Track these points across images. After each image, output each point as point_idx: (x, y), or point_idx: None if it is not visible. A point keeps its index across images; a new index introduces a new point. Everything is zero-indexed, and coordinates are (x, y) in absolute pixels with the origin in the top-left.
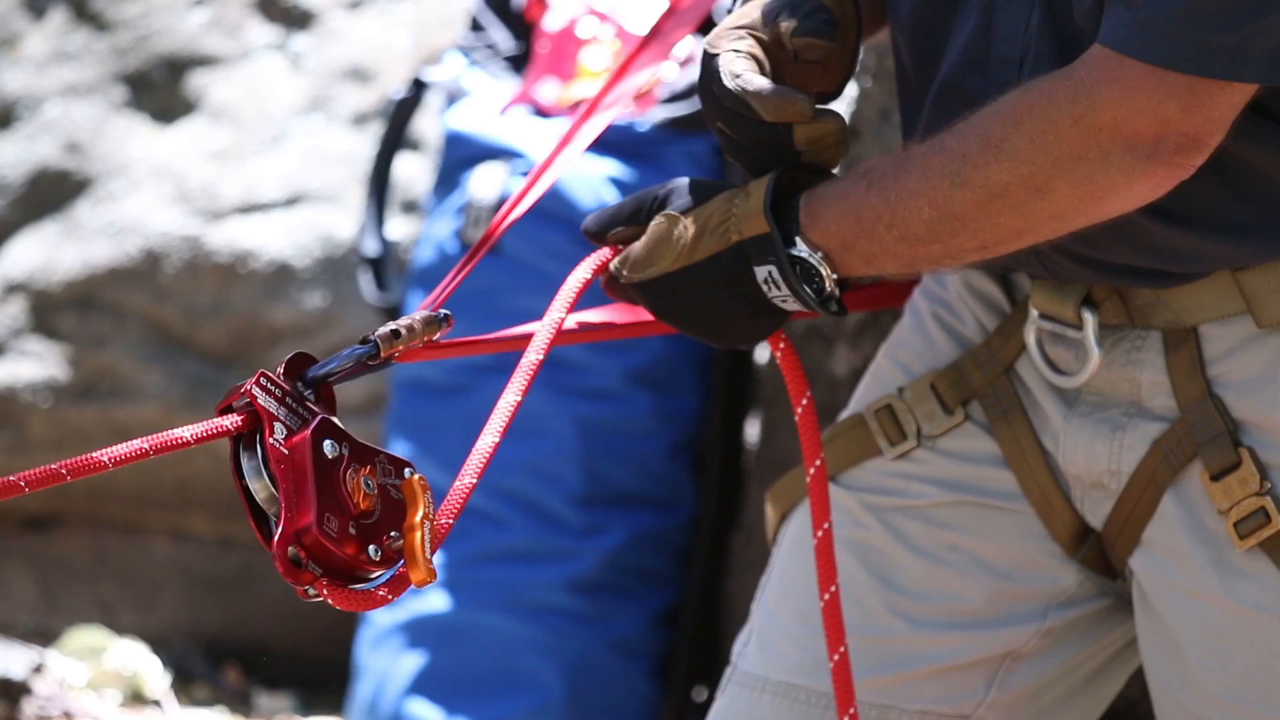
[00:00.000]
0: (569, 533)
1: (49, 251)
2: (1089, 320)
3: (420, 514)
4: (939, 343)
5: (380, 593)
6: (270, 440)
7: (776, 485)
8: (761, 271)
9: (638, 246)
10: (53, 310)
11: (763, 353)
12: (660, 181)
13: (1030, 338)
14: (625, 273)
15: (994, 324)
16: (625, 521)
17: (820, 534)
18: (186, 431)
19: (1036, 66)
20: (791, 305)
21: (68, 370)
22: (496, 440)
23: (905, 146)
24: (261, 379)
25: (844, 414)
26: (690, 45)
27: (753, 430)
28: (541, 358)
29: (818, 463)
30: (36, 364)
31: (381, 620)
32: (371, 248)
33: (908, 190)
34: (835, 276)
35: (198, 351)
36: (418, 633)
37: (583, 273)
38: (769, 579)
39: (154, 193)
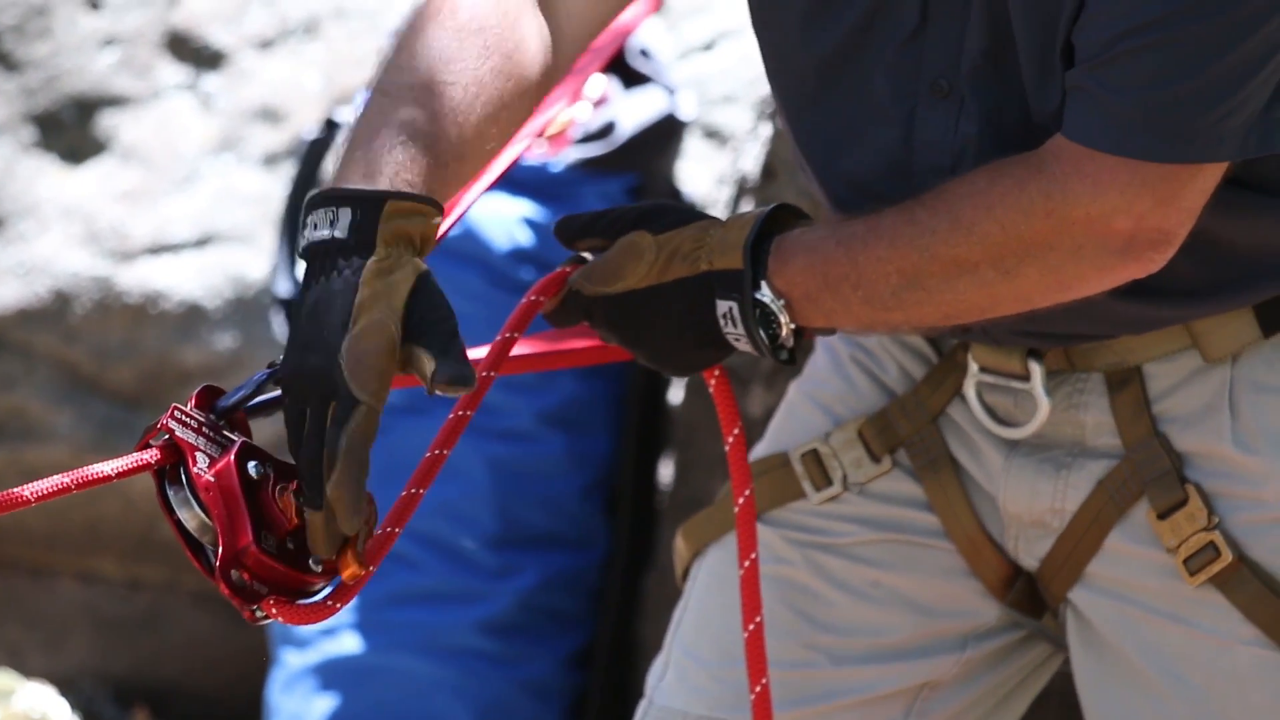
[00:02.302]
0: (482, 574)
1: None
2: (1036, 372)
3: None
4: (861, 387)
5: (328, 603)
6: (195, 470)
7: (690, 522)
8: (723, 306)
9: (604, 260)
10: None
11: (676, 393)
12: None
13: (970, 391)
14: (587, 285)
15: (919, 372)
16: (538, 562)
17: (746, 565)
18: (108, 466)
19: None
20: (743, 345)
21: None
22: (445, 454)
23: (877, 210)
24: (176, 412)
25: (759, 447)
26: (604, 85)
27: (666, 471)
28: (493, 374)
29: (747, 493)
30: None
31: (293, 662)
32: (284, 288)
33: (875, 255)
34: (793, 326)
35: (108, 392)
36: (330, 674)
37: (537, 288)
38: (684, 612)
39: (64, 233)
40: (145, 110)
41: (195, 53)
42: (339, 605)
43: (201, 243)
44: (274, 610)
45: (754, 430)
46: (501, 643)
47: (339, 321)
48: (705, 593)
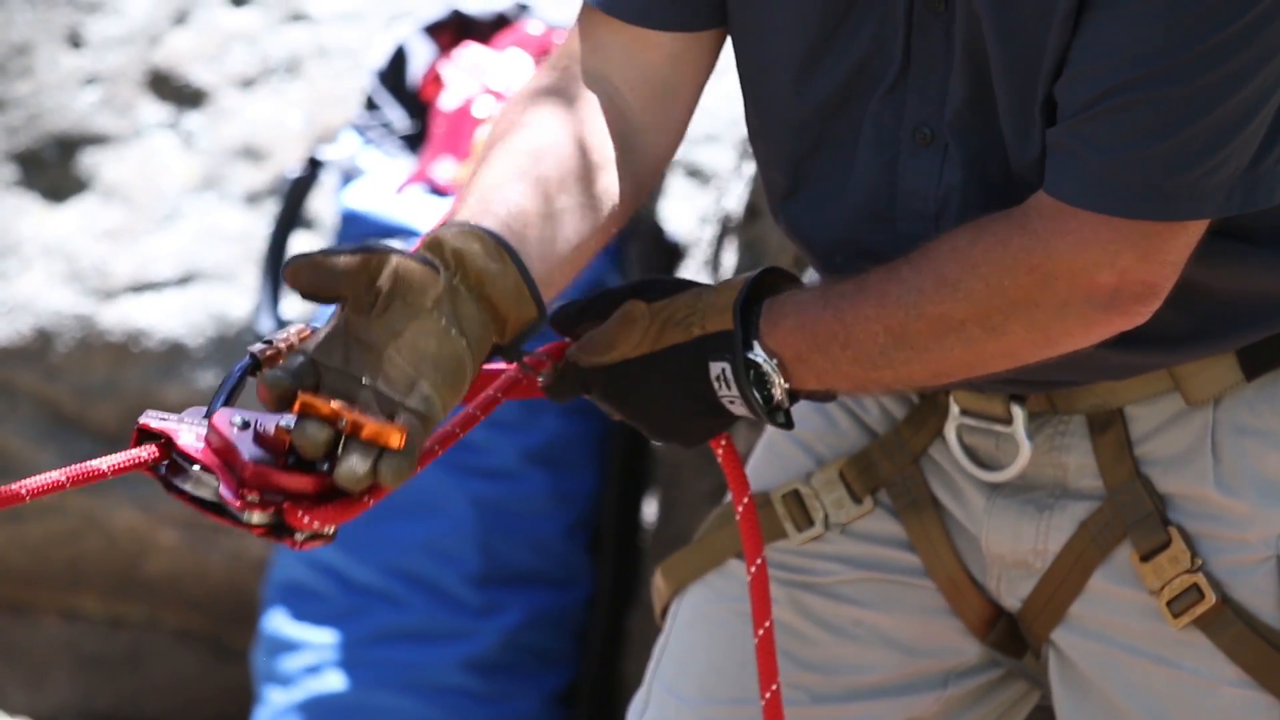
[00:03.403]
0: (466, 612)
1: None
2: (1019, 415)
3: (338, 406)
4: (843, 425)
5: (364, 499)
6: (182, 444)
7: (670, 560)
8: (716, 368)
9: (600, 330)
10: None
11: None
12: None
13: (951, 434)
14: (583, 356)
15: (901, 412)
16: (522, 601)
17: (761, 633)
18: (104, 463)
19: (962, 219)
20: (739, 409)
21: None
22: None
23: (864, 269)
24: (148, 412)
25: None
26: None
27: (650, 509)
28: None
29: (759, 561)
30: None
31: (278, 700)
32: (267, 327)
33: (863, 315)
34: (787, 386)
35: (90, 431)
36: (315, 713)
37: (532, 360)
38: (664, 649)
39: (46, 271)
40: (127, 149)
41: (177, 91)
42: (372, 501)
43: (183, 281)
44: (305, 518)
45: None
46: (486, 681)
47: None
48: (686, 630)
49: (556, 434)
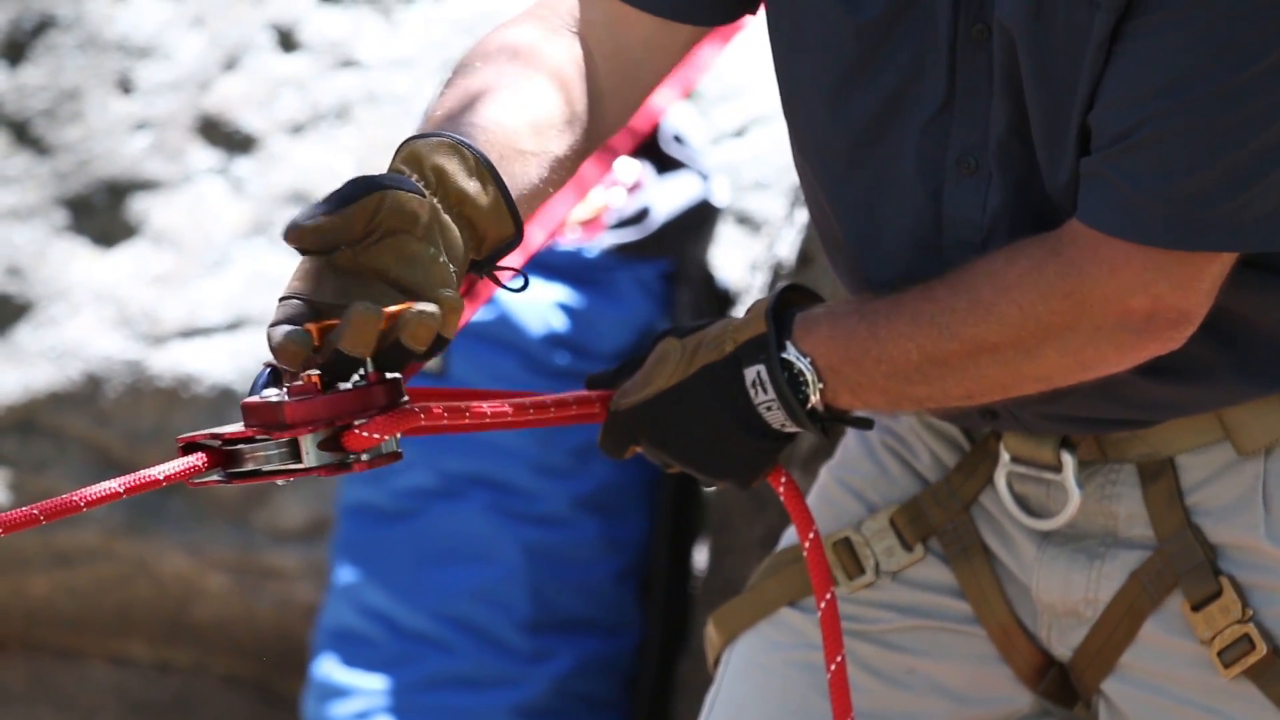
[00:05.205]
0: (517, 658)
1: None
2: (1069, 463)
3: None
4: (893, 473)
5: (412, 406)
6: (227, 432)
7: (722, 609)
8: (751, 373)
9: (638, 373)
10: None
11: None
12: (608, 306)
13: (1001, 482)
14: (625, 399)
15: (952, 459)
16: (573, 647)
17: (834, 667)
18: (158, 471)
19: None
20: (777, 414)
21: (8, 494)
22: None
23: (898, 290)
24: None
25: (793, 533)
26: (638, 170)
27: (701, 556)
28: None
29: (829, 595)
30: None
31: None
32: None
33: (897, 331)
34: (822, 385)
35: None
36: None
37: (577, 401)
38: (715, 699)
39: (95, 316)
40: (177, 194)
41: (227, 137)
42: (425, 416)
43: (233, 326)
44: (365, 432)
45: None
46: None
47: None
48: (738, 679)
49: (607, 481)
